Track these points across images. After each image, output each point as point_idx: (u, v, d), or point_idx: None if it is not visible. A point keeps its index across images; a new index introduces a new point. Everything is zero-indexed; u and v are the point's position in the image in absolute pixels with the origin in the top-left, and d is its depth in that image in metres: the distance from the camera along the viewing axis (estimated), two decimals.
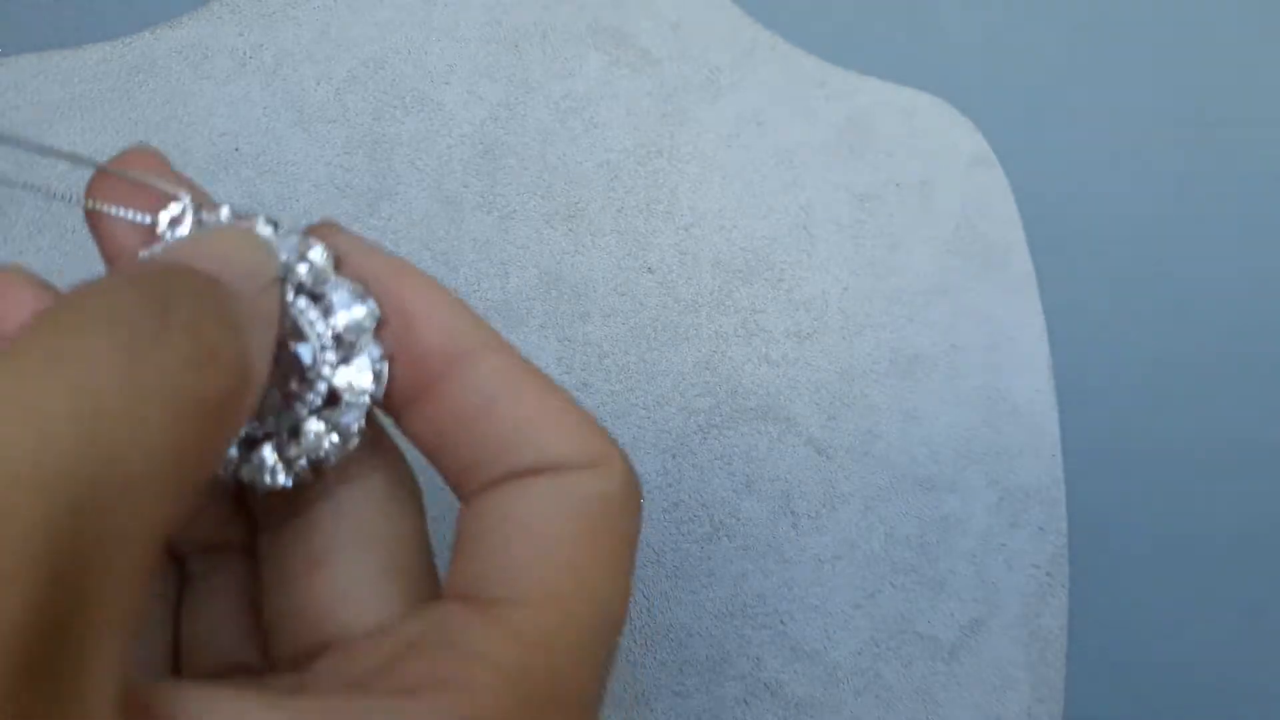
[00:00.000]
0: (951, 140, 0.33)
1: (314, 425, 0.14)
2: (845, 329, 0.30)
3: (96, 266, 0.24)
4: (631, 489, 0.15)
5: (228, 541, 0.17)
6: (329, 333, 0.14)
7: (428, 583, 0.16)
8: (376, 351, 0.14)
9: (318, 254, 0.14)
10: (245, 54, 0.27)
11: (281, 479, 0.14)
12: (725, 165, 0.30)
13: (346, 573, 0.15)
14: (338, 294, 0.14)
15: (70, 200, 0.15)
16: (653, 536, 0.27)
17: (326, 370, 0.14)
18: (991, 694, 0.29)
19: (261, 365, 0.13)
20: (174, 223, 0.15)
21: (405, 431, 0.16)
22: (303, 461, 0.14)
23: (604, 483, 0.15)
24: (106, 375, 0.10)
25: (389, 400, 0.15)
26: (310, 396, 0.14)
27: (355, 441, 0.14)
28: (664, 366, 0.27)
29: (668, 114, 0.30)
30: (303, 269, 0.14)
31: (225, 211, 0.15)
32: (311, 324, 0.14)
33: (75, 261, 0.24)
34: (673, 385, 0.27)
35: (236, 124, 0.26)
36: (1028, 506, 0.31)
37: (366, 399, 0.14)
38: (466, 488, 0.16)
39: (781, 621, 0.28)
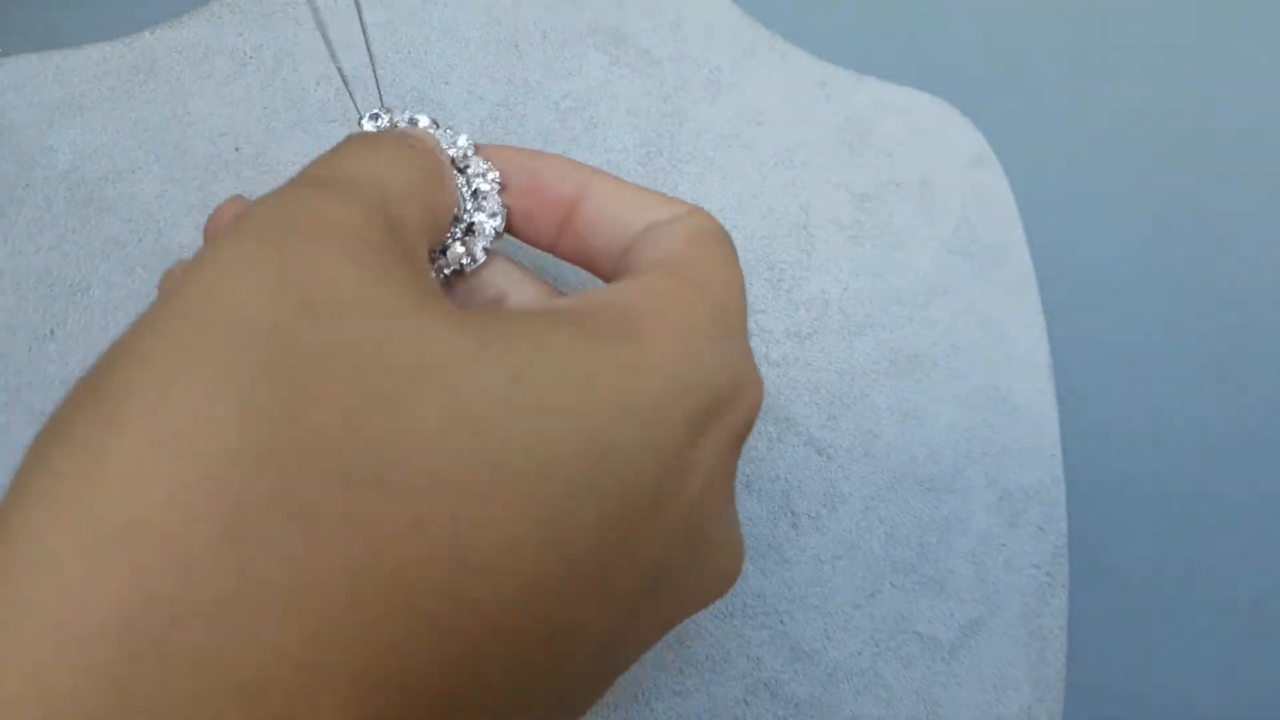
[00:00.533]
0: (951, 140, 0.33)
1: (456, 248, 0.21)
2: (845, 329, 0.30)
3: (96, 266, 0.24)
4: (717, 222, 0.21)
5: None
6: (468, 190, 0.21)
7: None
8: (499, 203, 0.22)
9: (463, 140, 0.22)
10: (245, 54, 0.27)
11: (432, 277, 0.20)
12: (725, 165, 0.30)
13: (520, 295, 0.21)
14: (474, 165, 0.22)
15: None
16: None
17: (465, 214, 0.21)
18: (991, 694, 0.29)
19: (453, 186, 0.20)
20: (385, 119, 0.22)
21: (562, 256, 0.22)
22: (446, 270, 0.21)
23: (701, 219, 0.21)
24: (395, 169, 0.18)
25: (544, 236, 0.22)
26: (455, 229, 0.21)
27: (481, 258, 0.21)
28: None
29: (667, 114, 0.30)
30: (453, 151, 0.22)
31: (418, 117, 0.22)
32: (457, 184, 0.21)
33: (75, 261, 0.24)
34: None
35: (236, 124, 0.26)
36: (1027, 506, 0.31)
37: (491, 230, 0.21)
38: (613, 272, 0.21)
39: (781, 621, 0.28)
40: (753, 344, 0.29)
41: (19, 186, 0.24)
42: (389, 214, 0.16)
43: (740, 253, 0.29)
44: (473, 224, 0.21)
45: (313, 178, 0.17)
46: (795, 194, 0.30)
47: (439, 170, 0.20)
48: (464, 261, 0.21)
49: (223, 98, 0.26)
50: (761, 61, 0.32)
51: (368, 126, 0.22)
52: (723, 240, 0.20)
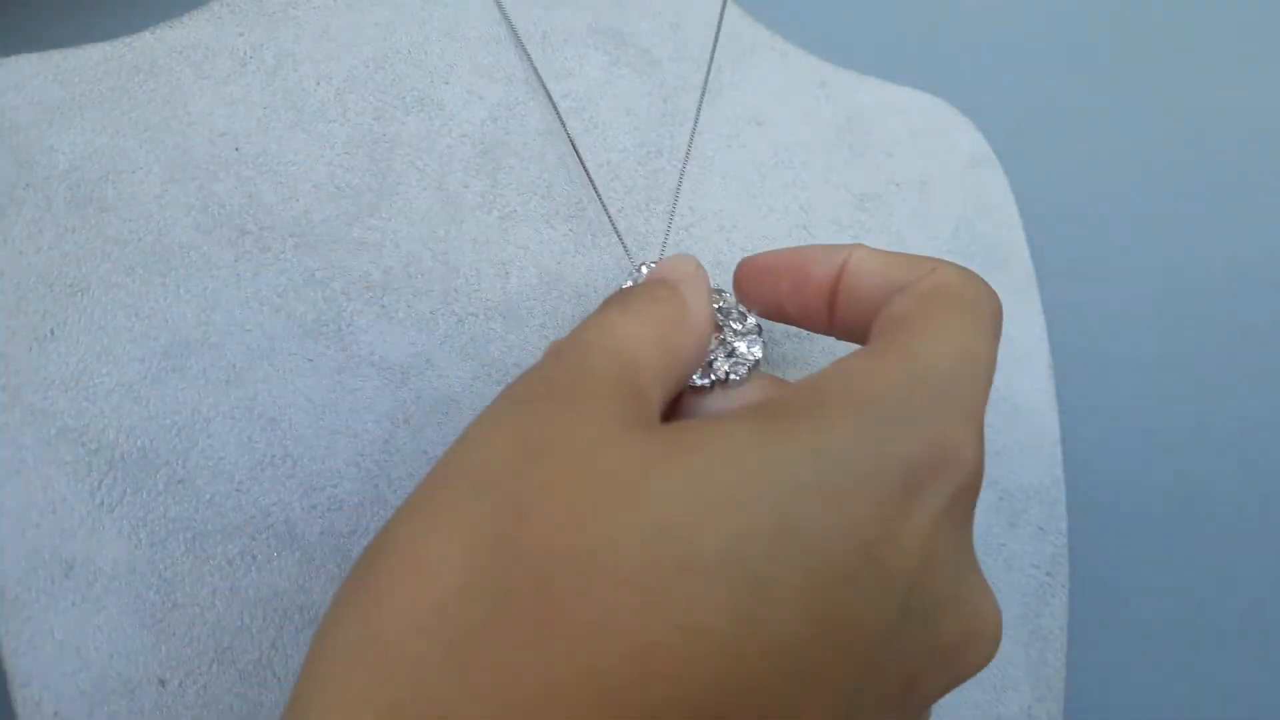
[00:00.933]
0: (951, 140, 0.33)
1: (722, 364, 0.24)
2: None
3: (96, 266, 0.24)
4: (962, 276, 0.21)
5: None
6: (733, 331, 0.25)
7: None
8: (757, 341, 0.24)
9: (728, 296, 0.26)
10: (246, 54, 0.27)
11: (699, 382, 0.24)
12: (725, 165, 0.30)
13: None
14: (738, 310, 0.25)
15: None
16: None
17: (732, 342, 0.24)
18: (991, 694, 0.29)
19: (703, 320, 0.22)
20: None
21: (841, 338, 0.24)
22: (708, 380, 0.24)
23: (943, 275, 0.21)
24: (637, 324, 0.21)
25: (819, 323, 0.24)
26: (721, 353, 0.24)
27: (743, 376, 0.24)
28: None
29: (667, 114, 0.30)
30: (720, 302, 0.25)
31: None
32: (726, 325, 0.25)
33: (75, 261, 0.24)
34: None
35: (236, 124, 0.26)
36: (1027, 506, 0.31)
37: (751, 359, 0.24)
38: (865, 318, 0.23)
39: None
40: None
41: (19, 186, 0.24)
42: (622, 367, 0.19)
43: (741, 253, 0.29)
44: (734, 349, 0.25)
45: (557, 350, 0.20)
46: (795, 194, 0.30)
47: (683, 318, 0.22)
48: (727, 375, 0.24)
49: (223, 98, 0.26)
50: (762, 61, 0.32)
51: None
52: (958, 298, 0.20)
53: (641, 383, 0.19)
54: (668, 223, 0.29)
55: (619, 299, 0.22)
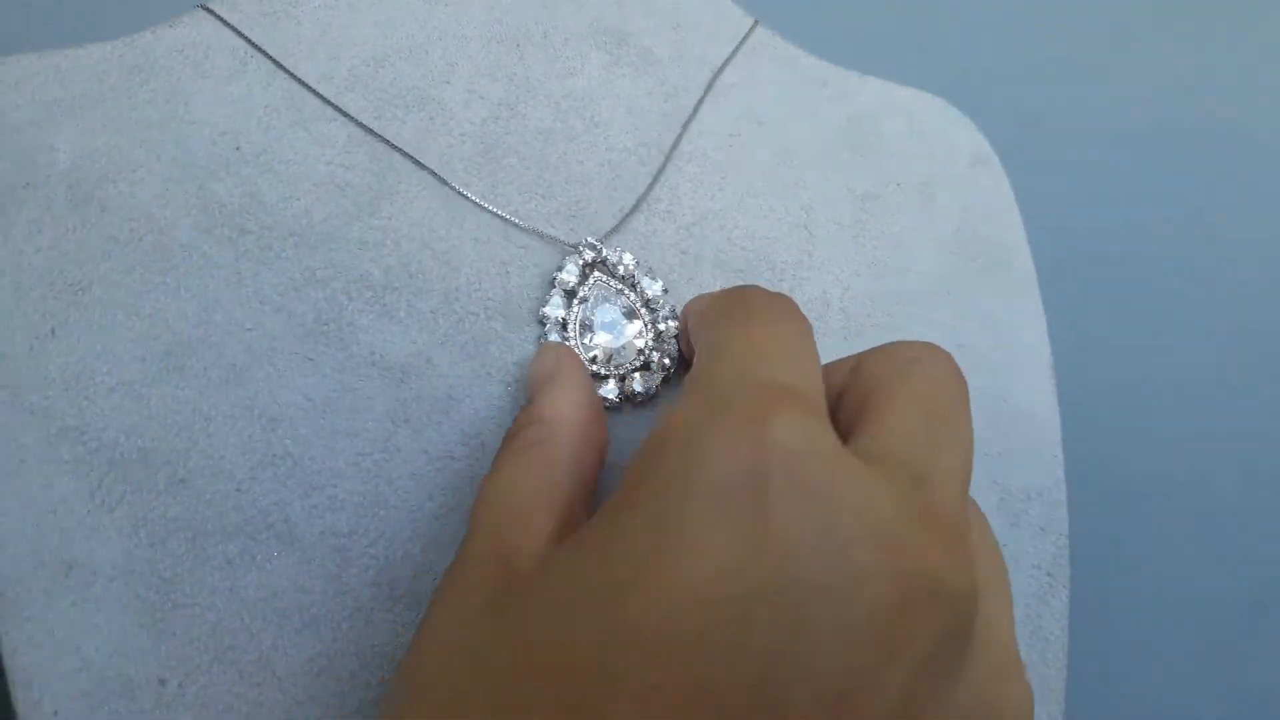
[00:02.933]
0: (952, 140, 0.33)
1: (634, 382, 0.26)
2: (846, 329, 0.30)
3: (96, 265, 0.24)
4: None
5: None
6: (651, 332, 0.27)
7: None
8: (668, 361, 0.27)
9: (658, 287, 0.27)
10: (246, 53, 0.27)
11: (610, 398, 0.26)
12: (726, 165, 0.30)
13: None
14: (663, 310, 0.27)
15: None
16: None
17: (650, 353, 0.27)
18: None
19: (580, 433, 0.23)
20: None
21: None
22: (615, 397, 0.26)
23: (724, 297, 0.22)
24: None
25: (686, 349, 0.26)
26: (635, 363, 0.26)
27: (653, 390, 0.26)
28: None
29: (668, 113, 0.30)
30: (651, 291, 0.27)
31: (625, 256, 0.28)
32: (652, 326, 0.27)
33: (75, 260, 0.24)
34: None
35: (237, 123, 0.26)
36: (1028, 507, 0.30)
37: (659, 377, 0.26)
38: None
39: None
40: None
41: (19, 186, 0.24)
42: (497, 537, 0.20)
43: (740, 253, 0.29)
44: (649, 362, 0.26)
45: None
46: (796, 194, 0.30)
47: (562, 449, 0.22)
48: (644, 391, 0.26)
49: (223, 97, 0.26)
50: (762, 61, 0.31)
51: (554, 330, 0.27)
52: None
53: (514, 541, 0.20)
54: (644, 218, 0.29)
55: (497, 456, 0.23)
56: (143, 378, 0.24)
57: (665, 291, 0.27)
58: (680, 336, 0.27)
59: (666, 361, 0.27)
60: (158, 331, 0.24)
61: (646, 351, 0.27)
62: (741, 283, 0.29)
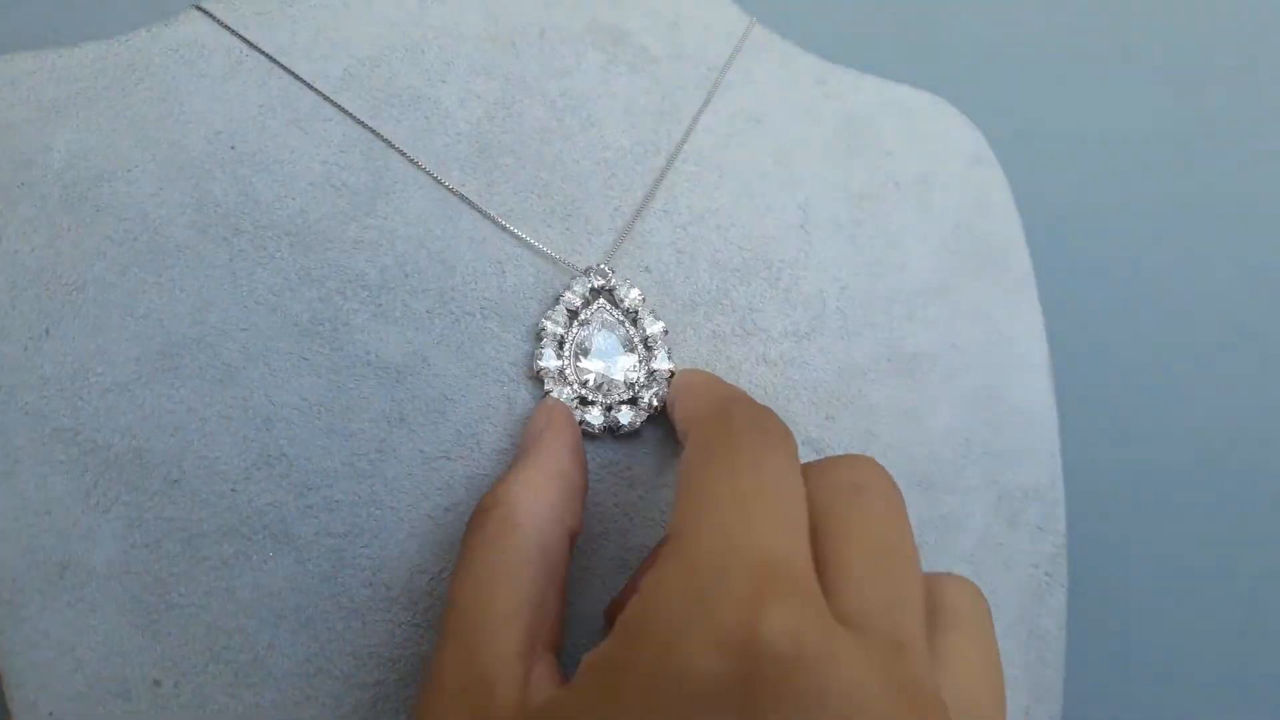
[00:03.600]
0: (951, 139, 0.33)
1: (622, 413, 0.26)
2: (843, 328, 0.30)
3: (91, 265, 0.24)
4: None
5: None
6: (645, 367, 0.27)
7: None
8: (656, 401, 0.27)
9: (659, 328, 0.27)
10: (241, 52, 0.27)
11: (593, 426, 0.26)
12: (723, 164, 0.30)
13: None
14: (658, 347, 0.27)
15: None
16: (650, 538, 0.27)
17: (640, 392, 0.27)
18: None
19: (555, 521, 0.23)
20: None
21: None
22: (598, 428, 0.26)
23: (709, 426, 0.21)
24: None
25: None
26: (624, 396, 0.27)
27: (635, 425, 0.27)
28: None
29: (665, 113, 0.30)
30: (653, 329, 0.27)
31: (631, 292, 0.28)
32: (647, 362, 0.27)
33: (70, 260, 0.24)
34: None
35: (232, 122, 0.26)
36: (1026, 506, 0.30)
37: (644, 412, 0.27)
38: None
39: None
40: (750, 343, 0.29)
41: (13, 185, 0.24)
42: (468, 650, 0.20)
43: (738, 252, 0.29)
44: (637, 398, 0.27)
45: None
46: (793, 193, 0.30)
47: (529, 547, 0.22)
48: (630, 426, 0.26)
49: (218, 96, 0.26)
50: (760, 60, 0.31)
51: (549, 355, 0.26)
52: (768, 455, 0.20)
53: (486, 669, 0.19)
54: (640, 218, 0.29)
55: (464, 546, 0.22)
56: (137, 378, 0.24)
57: (665, 333, 0.27)
58: (667, 406, 0.27)
59: (655, 402, 0.26)
60: (152, 331, 0.24)
61: (636, 387, 0.27)
62: (739, 282, 0.29)
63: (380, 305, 0.26)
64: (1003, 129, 0.33)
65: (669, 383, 0.27)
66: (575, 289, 0.27)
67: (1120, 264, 0.35)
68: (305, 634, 0.24)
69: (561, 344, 0.27)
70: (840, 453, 0.29)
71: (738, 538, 0.18)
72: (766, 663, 0.16)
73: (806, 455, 0.29)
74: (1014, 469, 0.30)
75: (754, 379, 0.28)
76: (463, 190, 0.27)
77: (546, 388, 0.26)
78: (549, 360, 0.26)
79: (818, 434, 0.29)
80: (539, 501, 0.22)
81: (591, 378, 0.26)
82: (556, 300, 0.27)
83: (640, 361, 0.27)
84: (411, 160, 0.27)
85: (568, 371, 0.26)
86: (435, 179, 0.27)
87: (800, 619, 0.16)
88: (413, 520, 0.25)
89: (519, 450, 0.25)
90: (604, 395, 0.27)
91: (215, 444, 0.24)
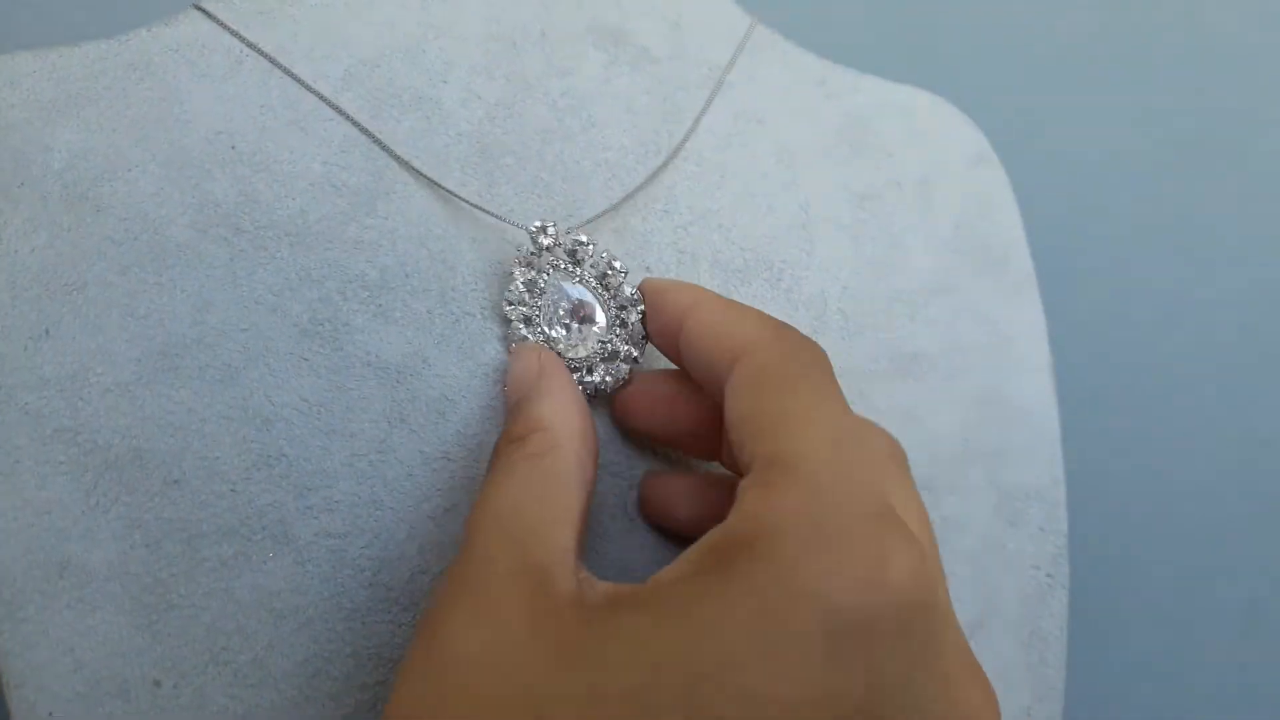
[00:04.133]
0: (951, 139, 0.33)
1: (599, 373, 0.26)
2: (844, 329, 0.30)
3: (91, 265, 0.24)
4: (791, 343, 0.22)
5: None
6: (618, 320, 0.26)
7: None
8: (641, 335, 0.26)
9: (619, 264, 0.26)
10: (241, 52, 0.27)
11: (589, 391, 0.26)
12: (724, 164, 0.30)
13: None
14: (626, 294, 0.26)
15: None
16: (650, 539, 0.27)
17: (614, 344, 0.26)
18: None
19: (578, 440, 0.23)
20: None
21: (673, 359, 0.26)
22: (590, 392, 0.26)
23: (774, 350, 0.22)
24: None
25: (671, 354, 0.25)
26: (599, 357, 0.26)
27: (621, 380, 0.26)
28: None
29: (666, 113, 0.30)
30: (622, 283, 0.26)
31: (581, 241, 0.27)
32: (617, 318, 0.26)
33: (70, 260, 0.24)
34: None
35: (232, 122, 0.26)
36: (1027, 507, 0.30)
37: (627, 367, 0.26)
38: (716, 393, 0.23)
39: None
40: None
41: (14, 185, 0.24)
42: (520, 551, 0.20)
43: (739, 252, 0.29)
44: (617, 351, 0.26)
45: (464, 539, 0.21)
46: (795, 193, 0.30)
47: (563, 461, 0.22)
48: (605, 382, 0.26)
49: (219, 96, 0.26)
50: (761, 60, 0.31)
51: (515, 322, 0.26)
52: (789, 374, 0.22)
53: (543, 558, 0.20)
54: (641, 217, 0.29)
55: (499, 465, 0.22)
56: (137, 378, 0.24)
57: (625, 273, 0.26)
58: (645, 318, 0.26)
59: (635, 354, 0.26)
60: (152, 332, 0.24)
61: (610, 343, 0.26)
62: (740, 283, 0.29)
63: (380, 306, 0.26)
64: (1003, 129, 0.33)
65: (638, 302, 0.26)
66: (524, 248, 0.26)
67: (1121, 264, 0.34)
68: (305, 634, 0.24)
69: (528, 321, 0.26)
70: None
71: (857, 475, 0.19)
72: (892, 606, 0.17)
73: None
74: (1015, 469, 0.30)
75: None
76: (463, 190, 0.27)
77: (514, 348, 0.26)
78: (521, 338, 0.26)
79: None
80: (573, 425, 0.23)
81: (562, 345, 0.26)
82: (511, 273, 0.26)
83: (609, 313, 0.26)
84: (412, 161, 0.27)
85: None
86: (435, 179, 0.27)
87: (920, 565, 0.18)
88: (413, 521, 0.25)
89: (515, 393, 0.25)
90: (581, 359, 0.26)
91: (215, 444, 0.24)
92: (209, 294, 0.25)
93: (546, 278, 0.26)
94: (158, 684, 0.23)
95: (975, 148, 0.33)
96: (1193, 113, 0.36)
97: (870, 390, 0.29)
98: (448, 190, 0.27)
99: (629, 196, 0.28)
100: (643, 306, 0.26)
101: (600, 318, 0.26)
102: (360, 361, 0.25)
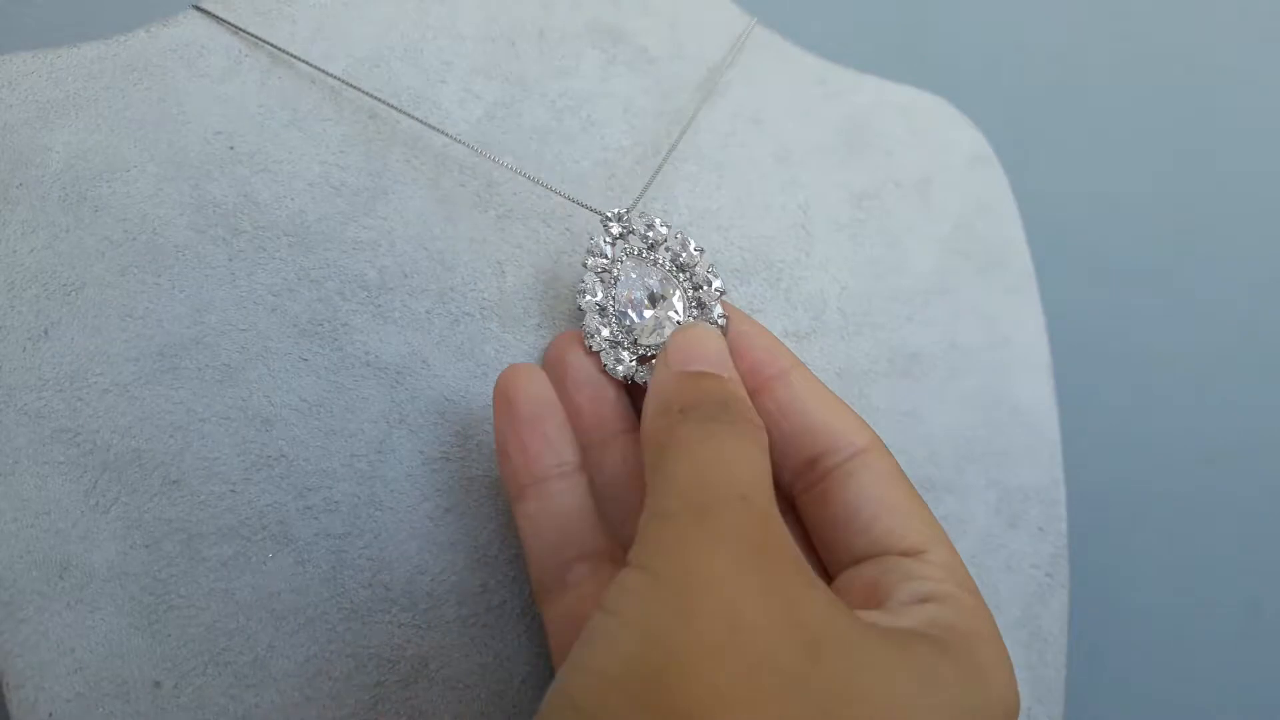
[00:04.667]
0: (951, 139, 0.33)
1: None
2: (844, 328, 0.30)
3: (90, 265, 0.24)
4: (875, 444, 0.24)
5: None
6: (695, 305, 0.26)
7: None
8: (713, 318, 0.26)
9: (705, 265, 0.26)
10: (240, 52, 0.27)
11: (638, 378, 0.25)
12: (723, 164, 0.30)
13: None
14: (708, 288, 0.26)
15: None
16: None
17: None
18: None
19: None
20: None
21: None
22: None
23: (878, 459, 0.23)
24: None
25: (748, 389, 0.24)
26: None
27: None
28: None
29: (665, 112, 0.30)
30: (699, 266, 0.26)
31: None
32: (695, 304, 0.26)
33: (69, 261, 0.24)
34: None
35: (231, 122, 0.26)
36: (1027, 507, 0.30)
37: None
38: (787, 475, 0.24)
39: None
40: None
41: (12, 185, 0.24)
42: (762, 514, 0.20)
43: (738, 252, 0.29)
44: (702, 301, 0.25)
45: (694, 500, 0.20)
46: (794, 193, 0.30)
47: (765, 438, 0.22)
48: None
49: (217, 96, 0.26)
50: (760, 60, 0.31)
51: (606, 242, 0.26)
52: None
53: (780, 528, 0.19)
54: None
55: (721, 426, 0.21)
56: (136, 378, 0.24)
57: (701, 251, 0.26)
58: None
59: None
60: (151, 332, 0.24)
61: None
62: (739, 282, 0.29)
63: (379, 306, 0.26)
64: (1003, 129, 0.33)
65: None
66: (600, 241, 0.26)
67: (1121, 263, 0.34)
68: (305, 635, 0.24)
69: (602, 311, 0.25)
70: None
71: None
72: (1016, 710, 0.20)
73: None
74: (1015, 469, 0.30)
75: None
76: (462, 190, 0.27)
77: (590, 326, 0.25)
78: (592, 311, 0.25)
79: None
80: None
81: (639, 330, 0.25)
82: (584, 263, 0.26)
83: (688, 295, 0.26)
84: (411, 161, 0.27)
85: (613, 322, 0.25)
86: (434, 179, 0.27)
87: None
88: (413, 521, 0.25)
89: (692, 363, 0.23)
90: (644, 343, 0.25)
91: (214, 445, 0.24)
92: (208, 294, 0.25)
93: (621, 265, 0.26)
94: (158, 684, 0.23)
95: (974, 147, 0.33)
96: (1194, 112, 0.36)
97: (870, 390, 0.29)
98: (533, 179, 0.27)
99: (643, 193, 0.28)
100: (721, 292, 0.26)
101: (679, 304, 0.26)
102: (359, 362, 0.25)
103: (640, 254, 0.26)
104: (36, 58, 0.25)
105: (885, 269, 0.30)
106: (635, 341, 0.25)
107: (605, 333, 0.25)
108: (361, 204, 0.26)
